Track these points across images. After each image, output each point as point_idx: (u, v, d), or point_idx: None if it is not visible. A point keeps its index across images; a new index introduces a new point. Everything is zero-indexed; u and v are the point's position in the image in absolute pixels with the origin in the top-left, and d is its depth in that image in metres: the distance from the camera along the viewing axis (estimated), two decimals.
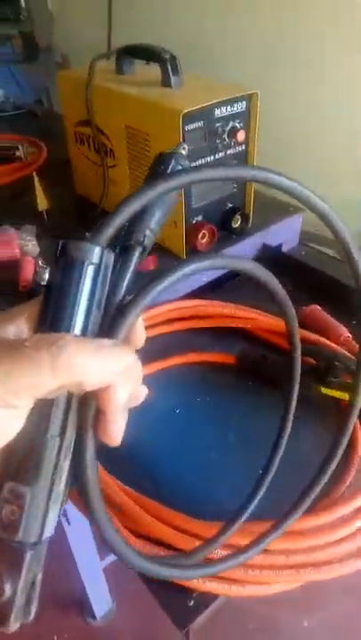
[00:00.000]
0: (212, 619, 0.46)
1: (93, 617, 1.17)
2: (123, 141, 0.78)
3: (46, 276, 0.68)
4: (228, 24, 1.05)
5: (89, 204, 0.94)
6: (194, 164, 0.70)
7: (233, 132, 0.71)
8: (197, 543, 0.46)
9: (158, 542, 0.47)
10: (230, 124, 0.71)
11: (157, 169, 0.31)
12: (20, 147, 1.12)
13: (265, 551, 0.45)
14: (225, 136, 0.71)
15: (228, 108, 0.69)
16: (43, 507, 0.25)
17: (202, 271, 0.28)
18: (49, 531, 0.25)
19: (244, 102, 0.71)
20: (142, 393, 0.29)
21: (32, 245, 0.79)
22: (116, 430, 0.26)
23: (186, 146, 0.32)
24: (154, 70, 0.75)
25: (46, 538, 0.25)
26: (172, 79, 0.72)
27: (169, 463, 0.57)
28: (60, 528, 0.89)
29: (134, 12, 1.30)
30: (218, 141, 0.71)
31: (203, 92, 0.70)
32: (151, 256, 0.75)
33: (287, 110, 0.95)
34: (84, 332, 0.25)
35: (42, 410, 0.24)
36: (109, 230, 0.25)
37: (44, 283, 0.68)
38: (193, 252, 0.77)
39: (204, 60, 1.06)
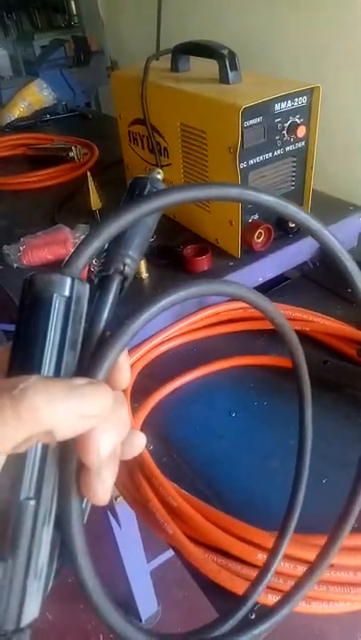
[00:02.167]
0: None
1: (139, 619, 1.16)
2: (177, 140, 0.77)
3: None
4: (281, 22, 1.02)
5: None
6: (252, 162, 0.68)
7: (293, 127, 0.69)
8: (258, 553, 0.44)
9: (216, 549, 0.46)
10: (290, 120, 0.69)
11: (132, 194, 0.29)
12: (73, 148, 1.13)
13: (331, 567, 0.43)
14: (284, 132, 0.69)
15: (289, 102, 0.67)
16: (19, 586, 0.21)
17: (191, 298, 0.27)
18: (31, 614, 0.21)
19: (306, 97, 0.68)
20: (138, 441, 0.25)
21: None
22: (101, 487, 0.22)
23: (160, 170, 0.31)
24: (210, 67, 0.73)
25: (28, 624, 0.21)
26: (230, 75, 0.70)
27: (225, 468, 0.55)
28: (109, 530, 0.89)
29: (183, 17, 1.30)
30: (277, 137, 0.69)
31: (262, 87, 0.68)
32: (206, 255, 0.73)
33: (344, 111, 0.92)
34: (56, 375, 0.22)
35: (13, 468, 0.21)
36: (81, 260, 0.23)
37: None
38: (248, 252, 0.75)
39: (256, 64, 1.04)
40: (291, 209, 0.27)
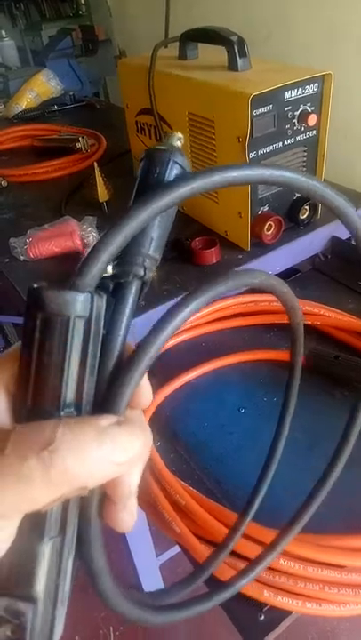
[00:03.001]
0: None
1: None
2: (185, 129, 0.76)
3: (108, 266, 0.67)
4: (291, 8, 1.00)
5: None
6: (262, 151, 0.66)
7: (304, 115, 0.67)
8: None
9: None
10: (301, 108, 0.67)
11: (150, 175, 0.23)
12: (80, 139, 1.11)
13: (342, 568, 0.42)
14: (295, 120, 0.67)
15: (300, 90, 0.65)
16: (49, 619, 0.20)
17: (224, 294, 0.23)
18: (58, 635, 0.21)
19: (317, 84, 0.66)
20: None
21: (93, 237, 0.78)
22: (127, 517, 0.22)
23: (181, 135, 0.25)
24: (219, 55, 0.71)
25: None
26: (240, 62, 0.69)
27: (233, 463, 0.54)
28: None
29: (191, 5, 1.28)
30: (287, 126, 0.67)
31: (272, 74, 0.66)
32: (215, 248, 0.72)
33: (356, 98, 0.89)
34: (77, 409, 0.20)
35: (34, 514, 0.19)
36: (95, 269, 0.20)
37: (105, 274, 0.67)
38: (258, 245, 0.73)
39: (265, 50, 1.02)
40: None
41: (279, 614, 0.42)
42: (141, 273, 0.23)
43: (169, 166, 0.23)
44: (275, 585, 0.42)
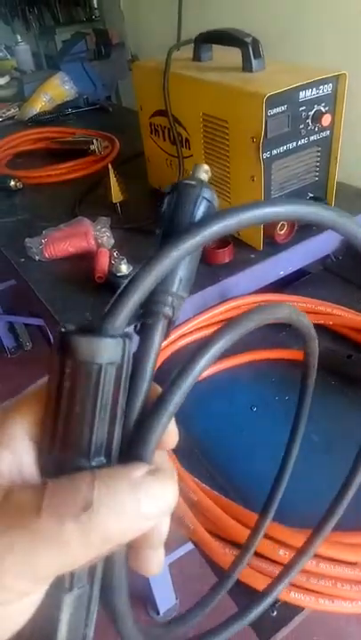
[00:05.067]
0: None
1: (157, 612, 1.17)
2: (199, 131, 0.76)
3: (122, 267, 0.67)
4: (304, 7, 1.00)
5: (161, 197, 0.92)
6: (276, 152, 0.67)
7: (318, 116, 0.67)
8: (279, 549, 0.43)
9: (237, 544, 0.45)
10: (315, 108, 0.67)
11: (178, 211, 0.22)
12: (94, 141, 1.13)
13: (355, 565, 0.42)
14: (309, 121, 0.67)
15: (314, 90, 0.66)
16: None
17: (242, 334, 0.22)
18: None
19: (331, 84, 0.67)
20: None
21: (107, 237, 0.79)
22: (156, 563, 0.21)
23: (207, 168, 0.24)
24: (233, 56, 0.72)
25: None
26: (254, 63, 0.69)
27: (245, 460, 0.54)
28: None
29: (203, 9, 1.28)
30: (301, 127, 0.67)
31: (286, 75, 0.67)
32: (227, 247, 0.72)
33: None
34: (107, 456, 0.19)
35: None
36: (126, 312, 0.19)
37: (119, 274, 0.67)
38: (271, 244, 0.74)
39: (279, 51, 1.02)
40: None
41: (292, 610, 0.42)
42: (170, 313, 0.22)
43: (197, 203, 0.22)
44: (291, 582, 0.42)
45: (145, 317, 0.22)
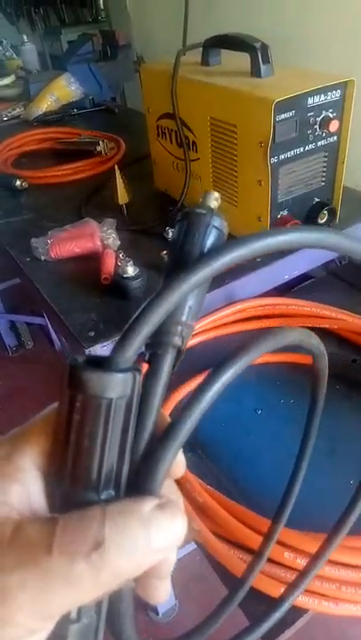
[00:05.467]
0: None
1: (156, 612, 1.17)
2: (207, 134, 0.77)
3: (128, 268, 0.68)
4: (312, 12, 1.01)
5: (167, 199, 0.93)
6: (283, 157, 0.67)
7: (326, 121, 0.68)
8: (285, 552, 0.43)
9: (242, 547, 0.46)
10: (323, 114, 0.67)
11: (188, 239, 0.22)
12: (100, 142, 1.13)
13: (359, 568, 0.42)
14: (317, 126, 0.68)
15: (322, 96, 0.66)
16: None
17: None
18: None
19: (339, 90, 0.67)
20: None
21: (113, 239, 0.79)
22: (163, 592, 0.22)
23: (218, 195, 0.24)
24: (242, 61, 0.72)
25: None
26: (263, 68, 0.70)
27: (250, 462, 0.55)
28: None
29: (210, 11, 1.29)
30: (309, 132, 0.68)
31: (295, 80, 0.67)
32: None
33: None
34: (116, 489, 0.19)
35: None
36: (136, 344, 0.19)
37: (125, 275, 0.68)
38: None
39: (286, 56, 1.03)
40: None
41: (295, 613, 0.42)
42: (179, 343, 0.22)
43: (207, 232, 0.22)
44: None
45: (154, 347, 0.22)
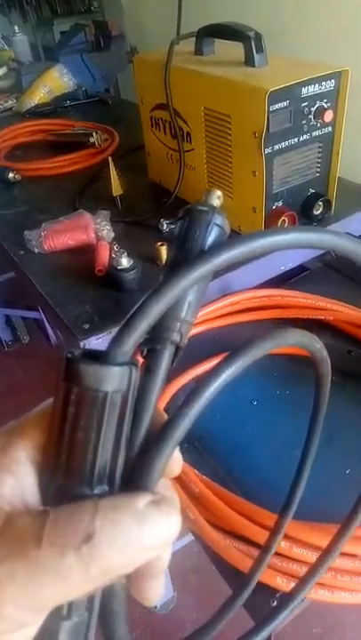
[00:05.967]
0: None
1: (154, 605, 1.18)
2: (201, 125, 0.76)
3: (123, 260, 0.67)
4: (307, 2, 1.00)
5: (161, 190, 0.93)
6: (278, 147, 0.67)
7: (320, 112, 0.67)
8: (283, 542, 0.44)
9: (238, 536, 0.46)
10: (317, 104, 0.67)
11: (189, 236, 0.22)
12: (93, 134, 1.12)
13: (354, 557, 0.43)
14: (311, 116, 0.68)
15: (316, 86, 0.66)
16: None
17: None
18: None
19: (334, 80, 0.67)
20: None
21: (107, 230, 0.79)
22: (156, 591, 0.21)
23: (220, 194, 0.24)
24: (236, 50, 0.72)
25: None
26: (256, 58, 0.69)
27: (247, 456, 0.55)
28: None
29: (204, 3, 1.28)
30: (303, 122, 0.67)
31: (289, 70, 0.67)
32: None
33: None
34: (110, 484, 0.19)
35: None
36: (133, 339, 0.19)
37: (120, 267, 0.67)
38: None
39: (281, 46, 1.02)
40: None
41: (290, 600, 0.43)
42: (177, 339, 0.22)
43: (209, 229, 0.22)
44: (288, 572, 0.42)
45: (152, 343, 0.22)
